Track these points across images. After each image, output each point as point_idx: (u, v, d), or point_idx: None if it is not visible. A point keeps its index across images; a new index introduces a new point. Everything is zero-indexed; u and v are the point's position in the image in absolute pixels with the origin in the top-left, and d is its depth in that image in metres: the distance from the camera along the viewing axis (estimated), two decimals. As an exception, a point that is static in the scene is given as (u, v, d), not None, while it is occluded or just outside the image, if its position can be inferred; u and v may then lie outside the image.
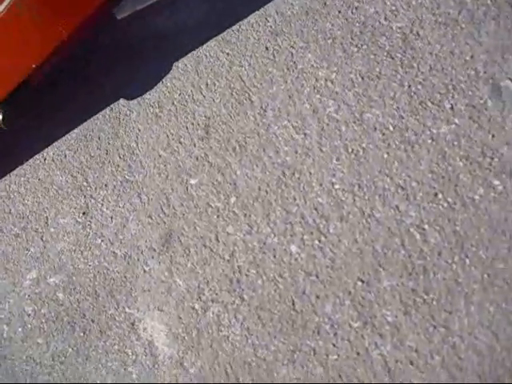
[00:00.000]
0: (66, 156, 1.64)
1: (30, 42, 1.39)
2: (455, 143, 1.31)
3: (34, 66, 1.42)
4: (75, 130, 1.65)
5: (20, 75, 1.44)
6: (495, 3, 1.44)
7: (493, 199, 1.25)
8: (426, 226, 1.26)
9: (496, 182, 1.26)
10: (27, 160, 1.68)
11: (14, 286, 1.53)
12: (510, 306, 1.16)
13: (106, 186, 1.55)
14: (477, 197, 1.26)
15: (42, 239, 1.56)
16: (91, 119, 1.64)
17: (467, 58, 1.40)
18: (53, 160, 1.65)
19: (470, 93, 1.36)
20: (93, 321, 1.42)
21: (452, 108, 1.35)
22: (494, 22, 1.42)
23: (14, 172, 1.68)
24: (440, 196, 1.28)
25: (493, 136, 1.30)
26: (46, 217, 1.58)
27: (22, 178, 1.66)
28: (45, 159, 1.66)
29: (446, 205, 1.27)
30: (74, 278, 1.48)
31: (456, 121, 1.34)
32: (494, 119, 1.32)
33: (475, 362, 1.14)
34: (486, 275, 1.20)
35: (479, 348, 1.15)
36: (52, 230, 1.56)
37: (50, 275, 1.50)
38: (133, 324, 1.39)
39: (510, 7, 1.42)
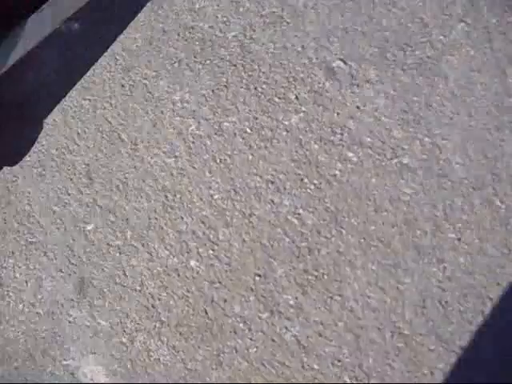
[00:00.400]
0: (-32, 235, 1.52)
1: None
2: (307, 129, 1.28)
3: None
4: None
5: None
6: (310, -7, 1.40)
7: (351, 170, 1.22)
8: (301, 211, 1.23)
9: (350, 154, 1.24)
10: None
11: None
12: (388, 260, 1.15)
13: (12, 253, 1.44)
14: (337, 172, 1.23)
15: (-34, 320, 1.44)
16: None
17: (299, 49, 1.36)
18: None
19: (310, 80, 1.32)
20: (35, 382, 1.34)
21: (297, 98, 1.31)
22: (314, 11, 1.38)
23: None
24: (306, 180, 1.25)
25: (337, 114, 1.27)
26: (-35, 298, 1.46)
27: None
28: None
29: (312, 187, 1.24)
30: (6, 348, 1.38)
31: (303, 108, 1.30)
32: (335, 98, 1.29)
33: (372, 317, 1.13)
34: (362, 239, 1.18)
35: (373, 305, 1.14)
36: (-26, 308, 1.44)
37: (-17, 352, 1.40)
38: (72, 374, 1.31)
39: (323, -7, 1.39)
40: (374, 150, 1.22)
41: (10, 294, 1.42)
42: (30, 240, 1.44)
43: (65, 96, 1.52)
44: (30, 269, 1.42)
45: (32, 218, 1.45)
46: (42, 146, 1.49)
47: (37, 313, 1.38)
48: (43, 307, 1.38)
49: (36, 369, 1.34)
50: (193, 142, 1.35)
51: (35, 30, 1.32)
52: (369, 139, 1.23)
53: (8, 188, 1.50)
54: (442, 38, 1.24)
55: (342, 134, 1.25)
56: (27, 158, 1.51)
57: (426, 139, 1.19)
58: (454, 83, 1.20)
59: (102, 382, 1.27)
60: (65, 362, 1.32)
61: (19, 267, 1.43)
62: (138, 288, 1.30)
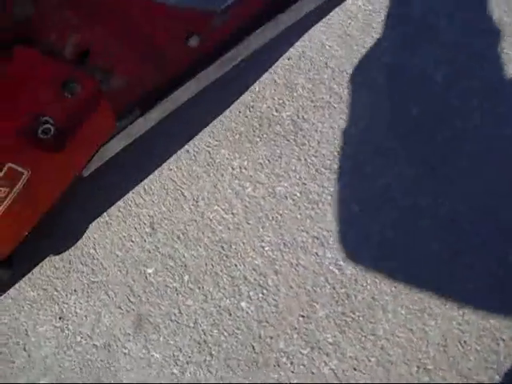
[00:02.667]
0: (33, 273, 1.94)
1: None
2: (351, 193, 1.75)
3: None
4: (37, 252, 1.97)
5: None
6: (353, 83, 1.93)
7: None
8: (341, 262, 1.67)
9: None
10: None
11: (7, 399, 1.78)
12: (415, 306, 1.57)
13: (75, 291, 1.86)
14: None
15: (24, 349, 1.83)
16: (50, 236, 1.97)
17: (343, 129, 1.86)
18: (20, 277, 1.95)
19: (352, 153, 1.82)
20: (87, 408, 1.70)
21: (341, 168, 1.80)
22: (358, 96, 1.91)
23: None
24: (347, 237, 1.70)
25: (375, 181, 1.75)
26: (26, 329, 1.86)
27: (-5, 302, 1.94)
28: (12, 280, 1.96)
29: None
30: (62, 375, 1.76)
31: (347, 176, 1.78)
32: (375, 169, 1.77)
33: (400, 354, 1.52)
34: (393, 288, 1.60)
35: (401, 343, 1.54)
36: (33, 339, 1.83)
37: (38, 379, 1.77)
38: (123, 401, 1.68)
39: (366, 87, 1.92)
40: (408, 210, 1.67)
41: (70, 327, 1.82)
42: (92, 279, 1.86)
43: (134, 159, 2.02)
44: (90, 305, 1.83)
45: (96, 261, 1.89)
46: (110, 198, 1.96)
47: (94, 345, 1.77)
48: (100, 340, 1.77)
49: (89, 397, 1.71)
50: (249, 202, 1.82)
51: (143, 126, 1.81)
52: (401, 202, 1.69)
53: (74, 232, 1.95)
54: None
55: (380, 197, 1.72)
56: (95, 209, 1.97)
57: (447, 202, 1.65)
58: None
59: (151, 410, 1.64)
60: (117, 391, 1.69)
61: (80, 303, 1.84)
62: (192, 325, 1.71)
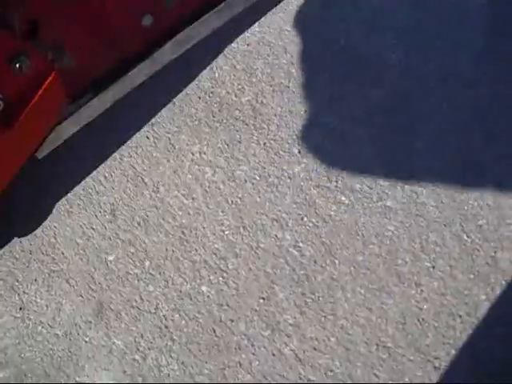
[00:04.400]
0: (-8, 265, 1.87)
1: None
2: (307, 177, 1.71)
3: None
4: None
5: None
6: (313, 68, 1.89)
7: (343, 211, 1.64)
8: (301, 244, 1.62)
9: (343, 198, 1.66)
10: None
11: (-32, 389, 1.71)
12: (374, 285, 1.53)
13: (35, 280, 1.79)
14: (332, 212, 1.64)
15: (-15, 342, 1.76)
16: (9, 227, 1.89)
17: (301, 113, 1.82)
18: (-19, 271, 1.87)
19: (310, 137, 1.77)
20: (48, 397, 1.63)
21: (299, 152, 1.75)
22: (315, 83, 1.86)
23: None
24: (305, 219, 1.65)
25: (333, 165, 1.71)
26: (-14, 321, 1.78)
27: (-44, 294, 1.86)
28: (-26, 273, 1.88)
29: (311, 224, 1.64)
30: (23, 366, 1.69)
31: (304, 160, 1.74)
32: (331, 152, 1.73)
33: (360, 333, 1.49)
34: (352, 268, 1.57)
35: (361, 322, 1.50)
36: (-6, 331, 1.76)
37: None
38: (85, 389, 1.62)
39: (324, 70, 1.87)
40: (362, 194, 1.64)
41: (31, 316, 1.75)
42: (53, 268, 1.79)
43: (94, 145, 1.95)
44: (51, 294, 1.76)
45: (56, 250, 1.82)
46: (71, 186, 1.89)
47: (55, 334, 1.70)
48: (61, 329, 1.71)
49: (50, 386, 1.64)
50: (208, 187, 1.77)
51: (98, 106, 1.75)
52: (359, 185, 1.65)
53: (34, 221, 1.87)
54: (417, 106, 1.72)
55: (336, 182, 1.68)
56: (55, 197, 1.90)
57: (406, 186, 1.62)
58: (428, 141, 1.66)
59: (113, 397, 1.58)
60: (78, 379, 1.63)
61: (41, 293, 1.77)
62: (153, 311, 1.65)
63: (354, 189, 1.66)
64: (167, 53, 1.81)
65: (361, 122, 1.75)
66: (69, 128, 1.68)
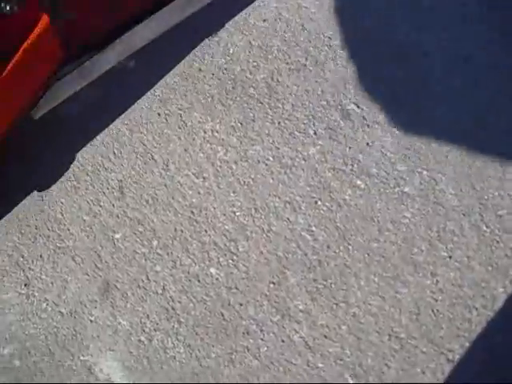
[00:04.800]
0: (-2, 239, 1.83)
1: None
2: (322, 159, 1.65)
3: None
4: (3, 215, 1.85)
5: None
6: (331, 48, 1.82)
7: (359, 196, 1.58)
8: (314, 228, 1.57)
9: (359, 182, 1.60)
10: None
11: (-29, 363, 1.68)
12: (388, 273, 1.48)
13: (41, 256, 1.75)
14: (347, 197, 1.59)
15: (-10, 317, 1.72)
16: (17, 202, 1.84)
17: (319, 93, 1.75)
18: (-14, 245, 1.83)
19: (326, 119, 1.71)
20: (52, 376, 1.60)
21: (315, 133, 1.69)
22: (333, 62, 1.79)
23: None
24: (319, 203, 1.60)
25: (349, 148, 1.65)
26: (-10, 297, 1.75)
27: (-40, 267, 1.83)
28: (-21, 247, 1.84)
29: (325, 208, 1.58)
30: (27, 343, 1.65)
31: (320, 142, 1.68)
32: (348, 135, 1.67)
33: (372, 322, 1.44)
34: (366, 255, 1.51)
35: (373, 311, 1.45)
36: (-2, 306, 1.73)
37: (2, 347, 1.67)
38: (90, 369, 1.58)
39: (342, 49, 1.80)
40: (379, 179, 1.58)
41: (35, 293, 1.71)
42: (58, 245, 1.75)
43: (104, 120, 1.89)
44: (56, 271, 1.72)
45: (63, 226, 1.77)
46: (79, 161, 1.84)
47: (60, 312, 1.67)
48: (66, 307, 1.67)
49: (54, 364, 1.61)
50: (220, 166, 1.71)
51: (98, 65, 1.70)
52: (375, 170, 1.59)
53: (42, 197, 1.83)
54: (439, 88, 1.65)
55: (352, 165, 1.62)
56: (63, 172, 1.85)
57: (425, 172, 1.56)
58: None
59: (118, 377, 1.54)
60: (83, 358, 1.60)
61: (46, 269, 1.73)
62: (160, 291, 1.61)
63: (370, 173, 1.60)
64: (172, 14, 1.76)
65: (380, 106, 1.69)
66: (67, 87, 1.62)
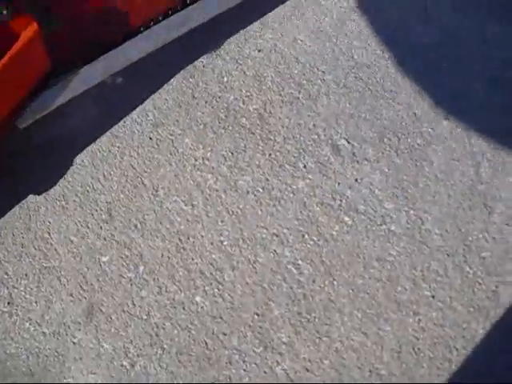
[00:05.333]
0: (-17, 255, 1.81)
1: None
2: (311, 193, 1.67)
3: None
4: (-11, 232, 1.83)
5: None
6: (324, 82, 1.85)
7: (346, 231, 1.60)
8: (300, 262, 1.59)
9: (346, 218, 1.62)
10: None
11: (-51, 381, 1.65)
12: (372, 310, 1.50)
13: (26, 275, 1.74)
14: (334, 232, 1.61)
15: (-30, 334, 1.70)
16: (3, 218, 1.83)
17: (310, 127, 1.78)
18: (-30, 261, 1.81)
19: (317, 153, 1.73)
20: (31, 397, 1.59)
21: (305, 167, 1.72)
22: (326, 97, 1.82)
23: None
24: (306, 236, 1.62)
25: (338, 184, 1.67)
26: (-28, 313, 1.73)
27: None
28: (-37, 262, 1.82)
29: (312, 243, 1.60)
30: (7, 363, 1.64)
31: (309, 176, 1.70)
32: (338, 171, 1.69)
33: (354, 358, 1.46)
34: (351, 291, 1.53)
35: (355, 346, 1.47)
36: (-21, 324, 1.71)
37: (-17, 365, 1.65)
38: (69, 392, 1.57)
39: (335, 84, 1.83)
40: (366, 216, 1.60)
41: (19, 312, 1.70)
42: (44, 265, 1.74)
43: (95, 141, 1.89)
44: (41, 291, 1.71)
45: (49, 245, 1.77)
46: (68, 182, 1.84)
47: (42, 332, 1.66)
48: (49, 327, 1.66)
49: (34, 385, 1.60)
50: (209, 195, 1.72)
51: (86, 78, 1.72)
52: (363, 207, 1.62)
53: (30, 216, 1.82)
54: (430, 130, 1.68)
55: (340, 201, 1.64)
56: (52, 190, 1.85)
57: (412, 212, 1.59)
58: (437, 168, 1.62)
59: (98, 402, 1.54)
60: (64, 381, 1.59)
61: (31, 288, 1.72)
62: (145, 317, 1.61)
63: (358, 210, 1.62)
64: (161, 32, 1.78)
65: (370, 143, 1.72)
66: (54, 97, 1.62)
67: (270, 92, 1.86)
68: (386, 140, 1.71)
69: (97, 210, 1.79)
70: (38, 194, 1.85)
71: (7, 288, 1.74)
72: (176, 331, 1.57)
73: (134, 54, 1.80)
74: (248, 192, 1.71)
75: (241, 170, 1.74)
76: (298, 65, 1.90)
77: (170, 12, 1.81)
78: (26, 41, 1.46)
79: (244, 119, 1.83)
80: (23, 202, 1.85)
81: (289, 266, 1.58)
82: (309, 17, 1.99)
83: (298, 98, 1.84)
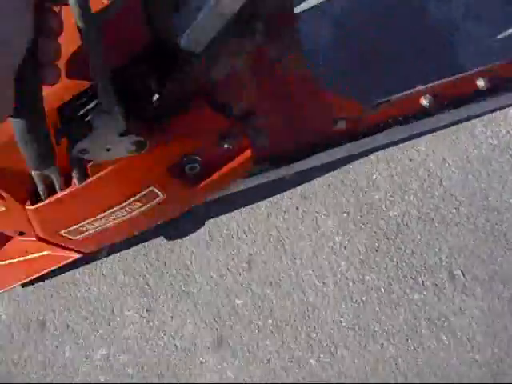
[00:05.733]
0: (126, 259, 3.83)
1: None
2: (422, 308, 3.79)
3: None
4: (134, 240, 3.85)
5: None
6: (458, 213, 3.97)
7: (441, 348, 3.74)
8: (399, 360, 3.72)
9: (444, 338, 3.76)
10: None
11: (86, 358, 3.69)
12: (443, 415, 3.66)
13: (165, 292, 3.76)
14: (432, 345, 3.74)
15: (109, 324, 3.72)
16: (149, 233, 3.85)
17: (436, 250, 3.89)
18: (114, 260, 3.83)
19: (435, 274, 3.85)
20: (154, 393, 3.66)
21: (423, 283, 3.82)
22: (457, 228, 3.94)
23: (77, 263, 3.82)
24: (409, 341, 3.73)
25: (446, 307, 3.80)
26: (112, 307, 3.75)
27: (86, 270, 3.82)
28: (106, 259, 3.84)
29: (412, 348, 3.73)
30: (140, 359, 3.67)
31: (424, 292, 3.79)
32: (448, 296, 3.82)
33: None
34: (431, 395, 3.69)
35: None
36: (118, 318, 3.73)
37: (119, 354, 3.68)
38: (188, 399, 3.65)
39: (467, 218, 3.96)
40: (460, 341, 3.76)
41: (155, 321, 3.75)
42: (183, 288, 3.79)
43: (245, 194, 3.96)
44: (177, 309, 3.76)
45: (190, 272, 3.82)
46: (215, 221, 3.88)
47: (175, 345, 3.71)
48: (181, 343, 3.70)
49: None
50: (340, 279, 3.79)
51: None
52: (459, 333, 3.77)
53: (176, 241, 3.86)
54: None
55: (443, 322, 3.79)
56: (198, 227, 3.89)
57: (496, 349, 3.77)
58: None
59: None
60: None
61: (169, 305, 3.76)
62: (266, 362, 3.68)
63: (456, 334, 3.77)
64: (339, 151, 3.83)
65: (480, 282, 3.87)
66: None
67: (410, 205, 3.94)
68: (493, 284, 3.84)
69: (238, 257, 3.84)
70: (187, 225, 3.88)
71: (147, 297, 3.78)
72: (288, 380, 3.67)
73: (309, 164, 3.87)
74: (372, 288, 3.80)
75: (370, 267, 3.83)
76: (440, 187, 3.95)
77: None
78: (238, 165, 2.81)
79: (383, 222, 3.92)
80: (173, 227, 3.88)
81: (390, 361, 3.71)
82: (460, 144, 4.06)
83: (433, 219, 3.92)
